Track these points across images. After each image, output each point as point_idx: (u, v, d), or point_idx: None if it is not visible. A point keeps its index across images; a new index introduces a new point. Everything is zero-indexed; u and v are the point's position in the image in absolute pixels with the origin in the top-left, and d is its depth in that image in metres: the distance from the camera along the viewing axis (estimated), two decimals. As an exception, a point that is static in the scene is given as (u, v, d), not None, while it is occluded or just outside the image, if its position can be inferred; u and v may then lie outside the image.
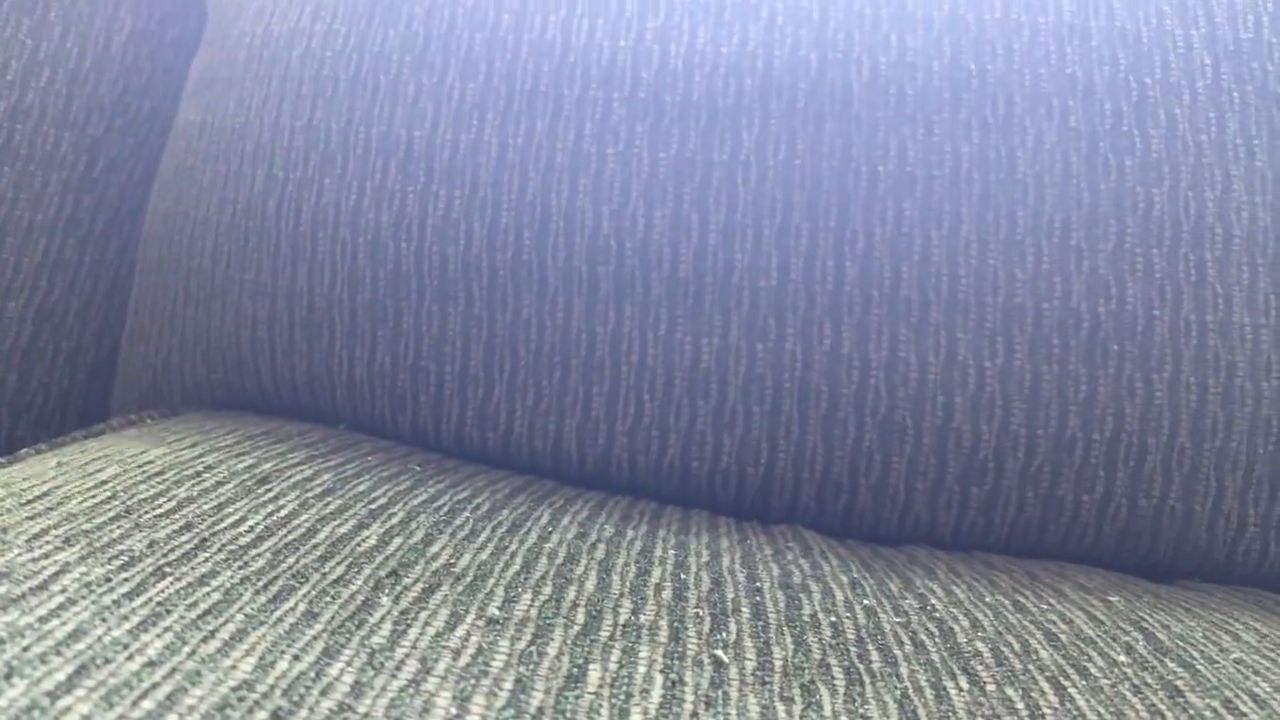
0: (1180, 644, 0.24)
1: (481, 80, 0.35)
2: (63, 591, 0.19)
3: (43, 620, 0.18)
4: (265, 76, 0.39)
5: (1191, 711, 0.21)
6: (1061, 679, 0.21)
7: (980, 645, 0.23)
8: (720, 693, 0.19)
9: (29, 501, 0.24)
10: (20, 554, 0.21)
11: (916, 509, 0.33)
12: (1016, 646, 0.23)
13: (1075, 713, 0.20)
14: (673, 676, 0.19)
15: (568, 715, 0.18)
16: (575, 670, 0.19)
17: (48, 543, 0.22)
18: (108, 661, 0.17)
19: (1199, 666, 0.23)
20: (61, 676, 0.17)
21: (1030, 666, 0.22)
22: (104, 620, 0.19)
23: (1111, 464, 0.33)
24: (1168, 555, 0.34)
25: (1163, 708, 0.21)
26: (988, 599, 0.26)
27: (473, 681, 0.18)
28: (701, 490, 0.34)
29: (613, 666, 0.19)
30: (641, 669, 0.20)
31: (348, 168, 0.36)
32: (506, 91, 0.35)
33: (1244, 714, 0.20)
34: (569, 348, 0.34)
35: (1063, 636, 0.24)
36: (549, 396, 0.34)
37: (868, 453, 0.33)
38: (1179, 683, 0.22)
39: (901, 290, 0.33)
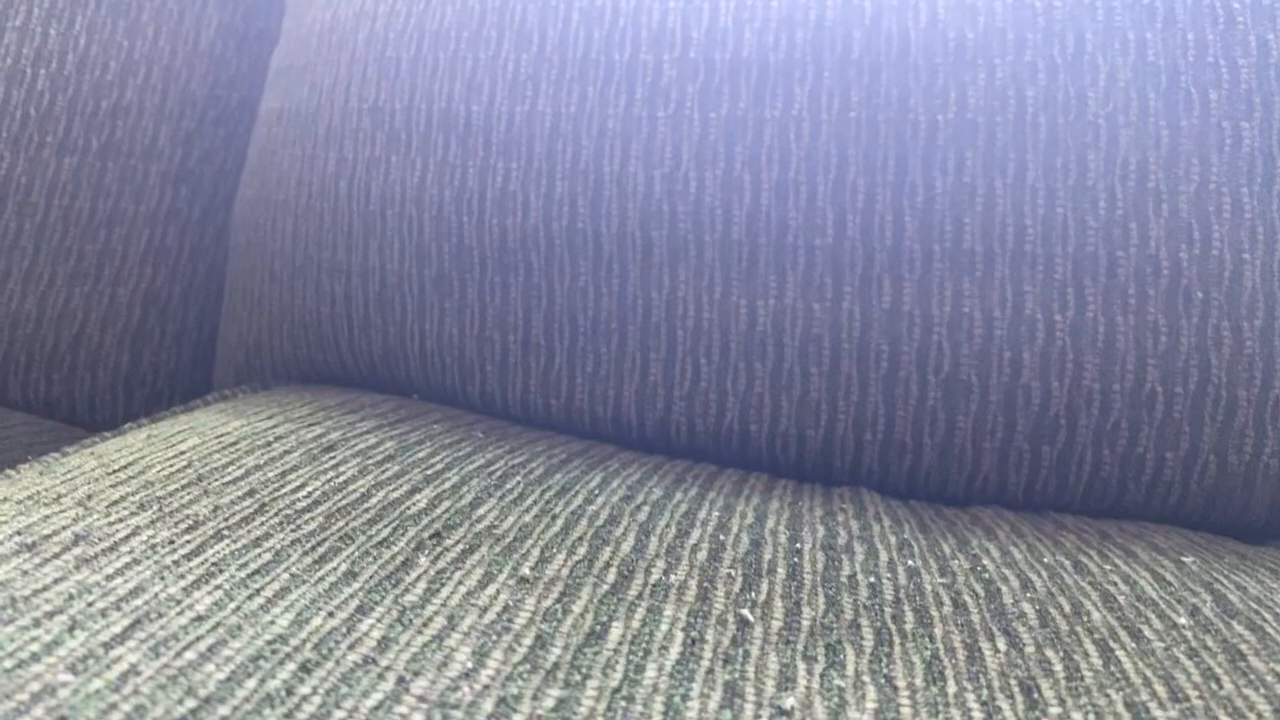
0: (1254, 606, 0.23)
1: (535, 51, 0.36)
2: (130, 553, 0.21)
3: (109, 578, 0.20)
4: (334, 61, 0.40)
5: (1251, 675, 0.19)
6: (1110, 641, 0.21)
7: (1026, 606, 0.22)
8: (740, 650, 0.19)
9: (114, 471, 0.26)
10: (99, 519, 0.23)
11: (985, 469, 0.32)
12: (1066, 608, 0.22)
13: (1119, 675, 0.19)
14: (694, 634, 0.20)
15: (583, 670, 0.18)
16: (597, 628, 0.20)
17: (124, 508, 0.23)
18: (160, 616, 0.19)
19: (1269, 629, 0.21)
20: (117, 629, 0.18)
21: (1078, 628, 0.21)
22: (162, 579, 0.20)
23: (1197, 419, 0.31)
24: (1262, 515, 0.32)
25: (1219, 671, 0.20)
26: (1046, 559, 0.25)
27: (494, 637, 0.19)
28: (761, 453, 0.34)
29: (635, 625, 0.20)
30: (664, 627, 0.20)
31: (411, 146, 0.37)
32: (559, 60, 0.35)
33: (1308, 679, 0.19)
34: (625, 314, 0.34)
35: (1121, 598, 0.23)
36: (608, 363, 0.35)
37: (931, 412, 0.32)
38: (1243, 646, 0.21)
39: (964, 243, 0.32)
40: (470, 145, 0.36)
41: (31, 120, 0.45)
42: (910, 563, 0.24)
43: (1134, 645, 0.20)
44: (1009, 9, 0.32)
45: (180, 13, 0.48)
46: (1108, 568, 0.25)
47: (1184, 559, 0.26)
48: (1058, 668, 0.19)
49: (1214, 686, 0.19)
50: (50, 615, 0.18)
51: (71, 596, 0.19)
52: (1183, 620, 0.22)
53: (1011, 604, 0.22)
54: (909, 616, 0.21)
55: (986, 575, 0.24)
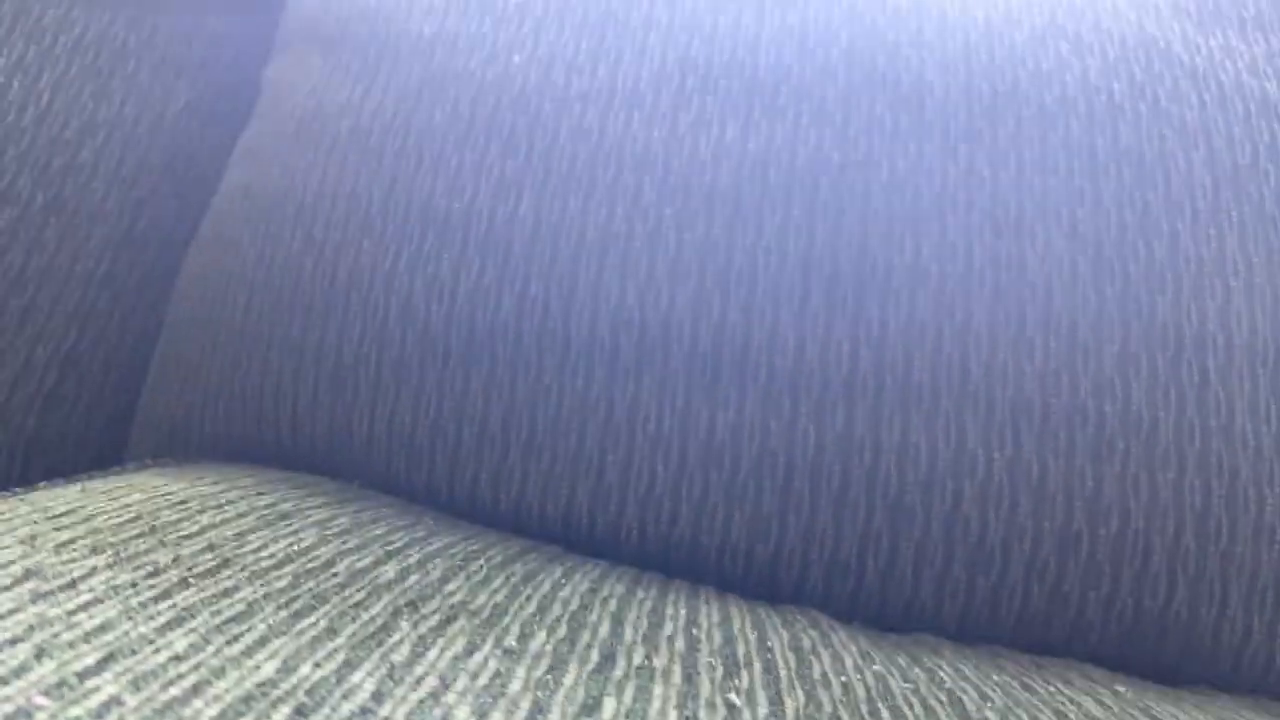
0: (1189, 731, 0.24)
1: (521, 159, 0.37)
2: (90, 591, 0.20)
3: (70, 614, 0.19)
4: (313, 146, 0.41)
5: (1203, 789, 0.21)
6: (1072, 750, 0.21)
7: (990, 715, 0.23)
8: (734, 732, 0.19)
9: (55, 516, 0.25)
10: (49, 557, 0.21)
11: (923, 596, 0.33)
12: None
13: (1087, 780, 0.20)
14: (687, 714, 0.19)
15: (584, 738, 0.18)
16: (590, 701, 0.19)
17: (75, 550, 0.22)
18: (134, 653, 0.17)
19: (1209, 750, 0.23)
20: (90, 661, 0.17)
21: (1040, 737, 0.22)
22: (131, 618, 0.19)
23: (1117, 561, 0.33)
24: (1173, 659, 0.34)
25: (1174, 783, 0.21)
26: (995, 678, 0.26)
27: (490, 699, 0.18)
28: (710, 565, 0.34)
29: (627, 701, 0.20)
30: (656, 704, 0.20)
31: (386, 233, 0.38)
32: (544, 171, 0.37)
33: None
34: (587, 414, 0.35)
35: (1071, 716, 0.24)
36: (564, 461, 0.35)
37: (877, 535, 0.33)
38: (1189, 763, 0.22)
39: (914, 377, 0.34)
40: (448, 239, 0.37)
41: (-23, 166, 0.44)
42: (875, 668, 0.25)
43: (1094, 754, 0.21)
44: (960, 174, 0.36)
45: (150, 84, 0.48)
46: (1051, 690, 0.26)
47: (1117, 688, 0.28)
48: (1031, 769, 0.20)
49: (1173, 794, 0.20)
50: (13, 642, 0.17)
51: (32, 627, 0.18)
52: (1131, 737, 0.23)
53: (975, 712, 0.23)
54: (885, 714, 0.22)
55: (946, 685, 0.25)
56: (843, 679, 0.23)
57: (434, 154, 0.38)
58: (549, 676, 0.20)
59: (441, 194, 0.38)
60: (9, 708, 0.15)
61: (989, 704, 0.24)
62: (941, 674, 0.26)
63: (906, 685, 0.24)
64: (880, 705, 0.22)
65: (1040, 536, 0.33)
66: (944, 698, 0.23)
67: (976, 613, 0.33)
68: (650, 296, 0.35)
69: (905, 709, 0.22)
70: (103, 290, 0.46)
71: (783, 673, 0.23)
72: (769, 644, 0.25)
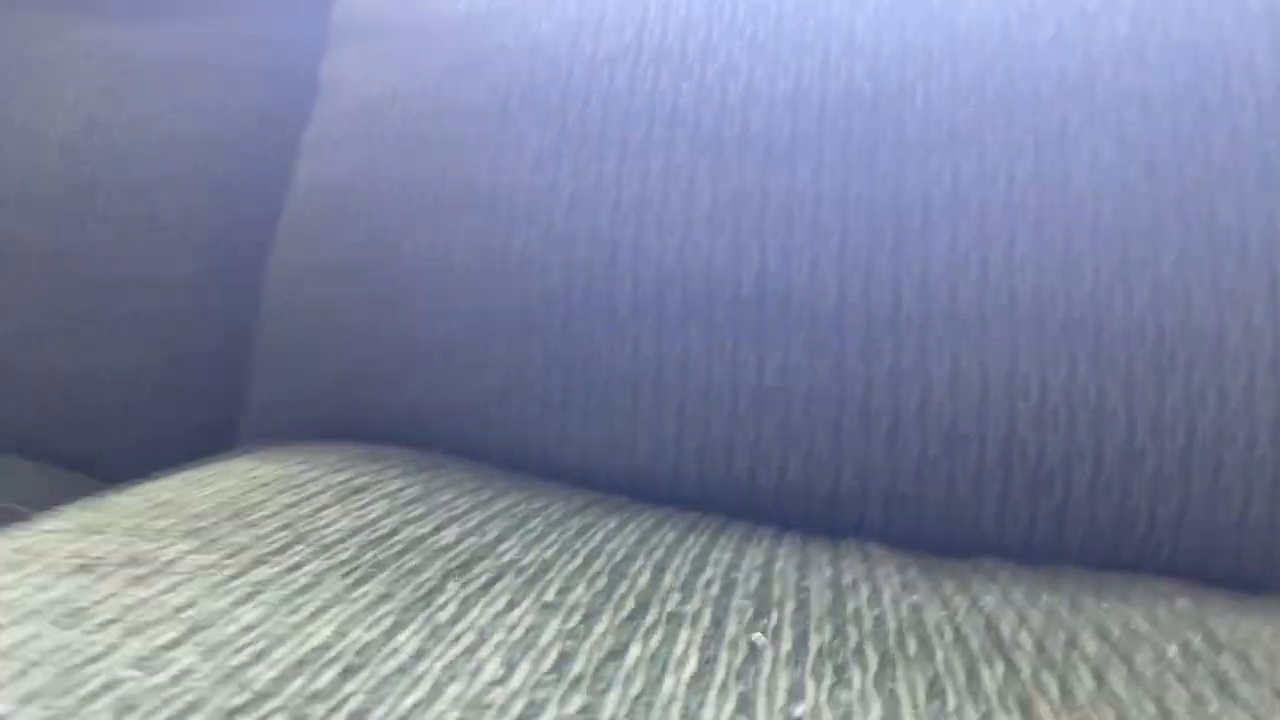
0: (1242, 640, 0.24)
1: (557, 129, 0.38)
2: (178, 573, 0.22)
3: (161, 594, 0.21)
4: (365, 136, 0.43)
5: (1239, 700, 0.21)
6: (1103, 667, 0.22)
7: (1024, 638, 0.23)
8: (752, 669, 0.20)
9: (157, 505, 0.28)
10: (147, 544, 0.24)
11: (985, 522, 0.34)
12: (1061, 639, 0.23)
13: (1111, 697, 0.20)
14: (708, 654, 0.21)
15: (606, 681, 0.19)
16: (617, 647, 0.21)
17: (170, 536, 0.25)
18: (210, 626, 0.20)
19: (1256, 661, 0.23)
20: (172, 635, 0.19)
21: (1073, 655, 0.22)
22: (210, 596, 0.21)
23: (1186, 474, 0.32)
24: (1254, 570, 0.33)
25: (1208, 694, 0.21)
26: (1044, 599, 0.27)
27: (521, 651, 0.20)
28: (770, 507, 0.35)
29: (653, 645, 0.21)
30: (679, 648, 0.21)
31: (439, 216, 0.40)
32: (579, 137, 0.38)
33: (1291, 702, 0.20)
34: (640, 371, 0.36)
35: (1115, 631, 0.24)
36: (622, 418, 0.36)
37: (933, 465, 0.34)
38: (1231, 673, 0.22)
39: (960, 308, 0.34)
40: (496, 215, 0.38)
41: (79, 190, 0.48)
42: (914, 598, 0.25)
43: (1126, 671, 0.22)
44: (999, 90, 0.35)
45: (222, 94, 0.51)
46: (1104, 605, 0.26)
47: (1177, 602, 0.28)
48: (1053, 689, 0.21)
49: (1202, 708, 0.20)
50: (109, 623, 0.20)
51: (128, 608, 0.20)
52: (1173, 651, 0.23)
53: (1009, 635, 0.23)
54: (911, 644, 0.22)
55: (986, 610, 0.25)
56: (876, 612, 0.24)
57: (476, 133, 0.40)
58: (581, 627, 0.21)
59: (485, 172, 0.39)
60: (102, 679, 0.17)
61: (1026, 627, 0.24)
62: (985, 600, 0.26)
63: (943, 614, 0.24)
64: (908, 636, 0.23)
65: (1102, 455, 0.33)
66: (980, 624, 0.24)
67: (1041, 536, 0.33)
68: (689, 250, 0.36)
69: (935, 637, 0.23)
70: (201, 292, 0.50)
71: (815, 609, 0.24)
72: (806, 583, 0.26)
